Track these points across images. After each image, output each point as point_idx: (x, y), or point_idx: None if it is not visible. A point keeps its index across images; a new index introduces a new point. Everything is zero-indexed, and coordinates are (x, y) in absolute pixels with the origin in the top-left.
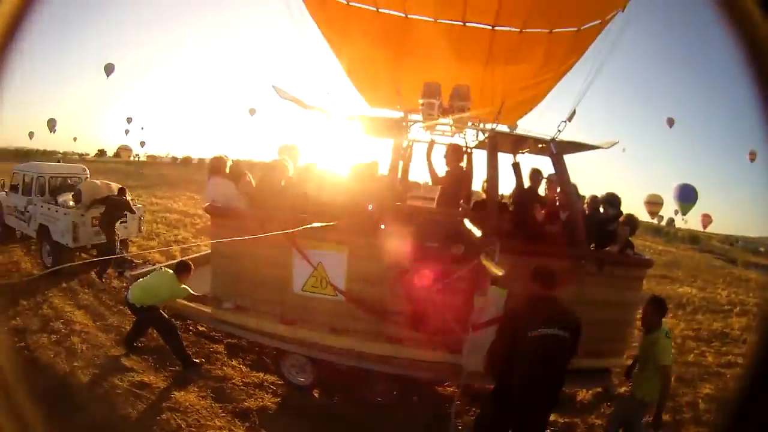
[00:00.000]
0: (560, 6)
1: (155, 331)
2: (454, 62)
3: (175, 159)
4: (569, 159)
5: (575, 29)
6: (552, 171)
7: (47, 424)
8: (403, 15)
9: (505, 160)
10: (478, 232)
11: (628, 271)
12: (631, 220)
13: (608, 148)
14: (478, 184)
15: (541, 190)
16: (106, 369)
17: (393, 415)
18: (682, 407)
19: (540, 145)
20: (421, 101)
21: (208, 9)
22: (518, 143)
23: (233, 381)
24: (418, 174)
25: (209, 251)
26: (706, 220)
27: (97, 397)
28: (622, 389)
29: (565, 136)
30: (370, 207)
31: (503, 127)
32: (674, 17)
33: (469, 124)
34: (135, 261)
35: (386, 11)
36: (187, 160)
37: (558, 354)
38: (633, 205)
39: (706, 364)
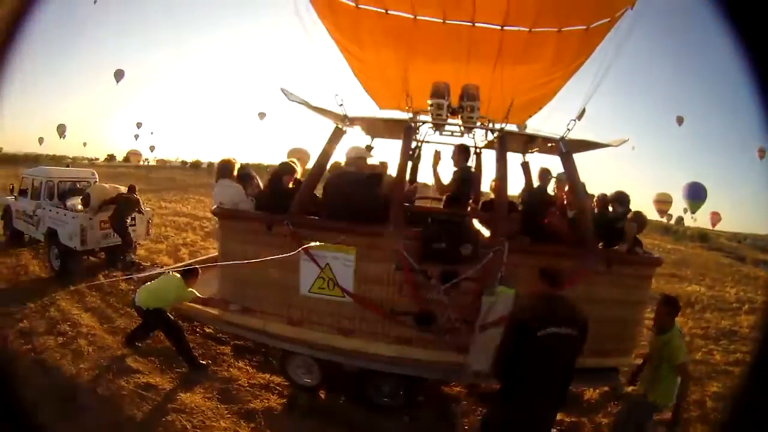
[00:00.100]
0: (569, 5)
1: (162, 333)
2: (463, 63)
3: (184, 163)
4: (578, 158)
5: (584, 28)
6: (561, 170)
7: (54, 426)
8: (412, 16)
9: (514, 159)
10: (486, 232)
11: (637, 269)
12: (639, 216)
13: (618, 146)
14: (487, 184)
15: (550, 190)
16: (112, 371)
17: (399, 415)
18: (689, 405)
19: (549, 144)
20: (429, 102)
21: (217, 14)
22: (527, 143)
23: (239, 382)
24: (428, 175)
25: (216, 253)
26: (715, 218)
27: (103, 399)
28: (630, 389)
29: (574, 135)
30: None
31: (512, 127)
32: (683, 14)
33: (478, 124)
34: (142, 264)
35: (395, 13)
36: (196, 164)
37: (566, 353)
38: (642, 204)
39: (714, 362)
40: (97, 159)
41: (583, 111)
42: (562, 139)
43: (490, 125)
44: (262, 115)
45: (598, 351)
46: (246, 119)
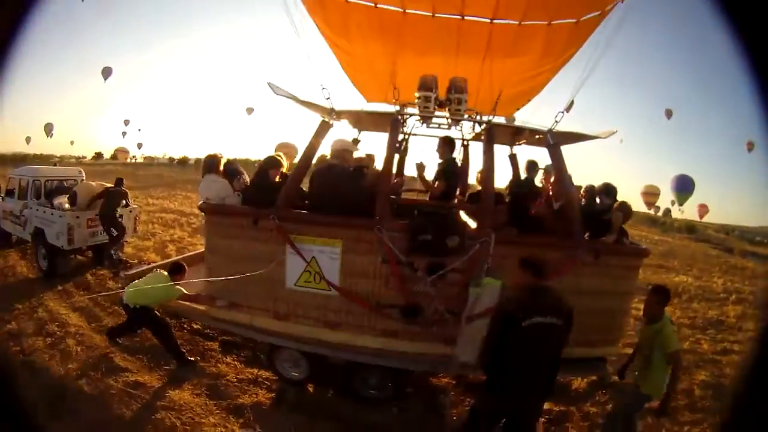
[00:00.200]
0: None
1: (148, 331)
2: (452, 56)
3: (172, 160)
4: (567, 150)
5: (574, 21)
6: (549, 162)
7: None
8: (401, 10)
9: (502, 152)
10: (473, 224)
11: (624, 260)
12: (624, 206)
13: (606, 138)
14: (473, 176)
15: (538, 181)
16: (100, 370)
17: (388, 407)
18: (677, 394)
19: (537, 136)
20: (417, 94)
21: (206, 9)
22: (515, 135)
23: (227, 378)
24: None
25: (203, 249)
26: (703, 210)
27: (92, 398)
28: (615, 378)
29: (562, 127)
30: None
31: (501, 119)
32: (673, 7)
33: (466, 116)
34: (130, 261)
35: (384, 6)
36: (184, 161)
37: (551, 342)
38: (630, 196)
39: (701, 351)
40: (84, 157)
41: (572, 103)
42: (550, 131)
43: (478, 117)
44: (249, 111)
45: (586, 341)
46: (234, 115)
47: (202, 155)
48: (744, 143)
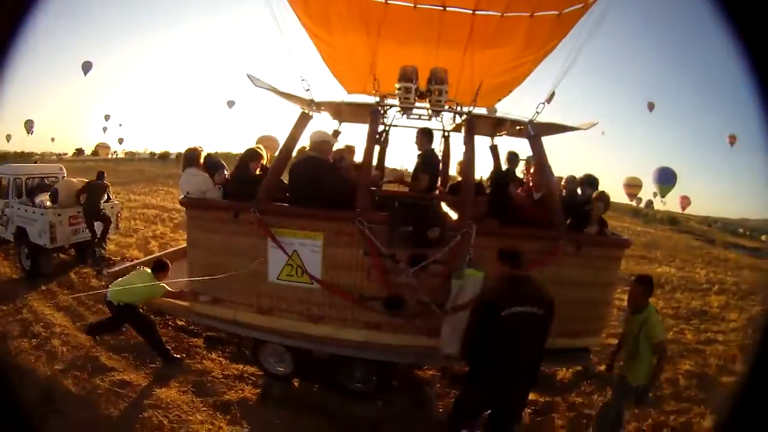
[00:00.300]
0: None
1: (133, 329)
2: (433, 47)
3: (153, 154)
4: (548, 142)
5: (557, 13)
6: (530, 153)
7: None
8: (383, 1)
9: (483, 143)
10: (454, 215)
11: (606, 251)
12: (604, 196)
13: (587, 129)
14: (454, 167)
15: (519, 172)
16: (87, 370)
17: (373, 400)
18: (662, 383)
19: (518, 127)
20: (397, 85)
21: (185, 2)
22: (496, 126)
23: (213, 374)
24: (395, 160)
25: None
26: (685, 202)
27: (79, 398)
28: (602, 366)
29: (543, 118)
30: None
31: (482, 110)
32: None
33: (446, 107)
34: (113, 258)
35: None
36: (165, 155)
37: (532, 332)
38: (612, 188)
39: (685, 341)
40: (65, 154)
41: (553, 94)
42: (531, 122)
43: (458, 108)
44: (230, 104)
45: (569, 332)
46: (215, 108)
47: (184, 149)
48: (726, 137)
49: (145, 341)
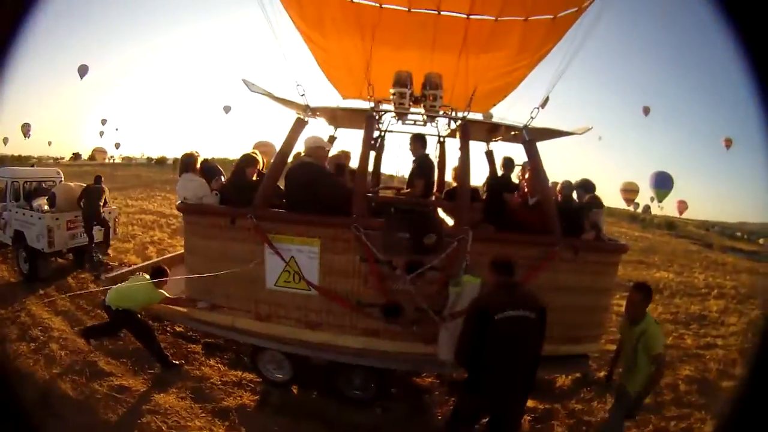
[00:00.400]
0: None
1: (131, 334)
2: (427, 51)
3: (150, 159)
4: (544, 147)
5: (551, 17)
6: (526, 159)
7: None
8: (377, 5)
9: (479, 148)
10: (450, 221)
11: (603, 256)
12: (597, 201)
13: (582, 134)
14: (450, 173)
15: (514, 178)
16: (85, 374)
17: (372, 408)
18: (662, 389)
19: (513, 133)
20: (392, 91)
21: (181, 7)
22: (491, 131)
23: (212, 380)
24: (391, 166)
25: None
26: (682, 206)
27: (78, 403)
28: (601, 373)
29: (538, 123)
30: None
31: (478, 116)
32: (651, 4)
33: (441, 112)
34: (110, 264)
35: (360, 1)
36: (162, 161)
37: (526, 335)
38: (609, 193)
39: (684, 346)
40: (62, 158)
41: (547, 99)
42: (525, 127)
43: (453, 114)
44: (227, 109)
45: (568, 338)
46: (211, 113)
47: (180, 155)
48: (721, 140)
49: (143, 347)
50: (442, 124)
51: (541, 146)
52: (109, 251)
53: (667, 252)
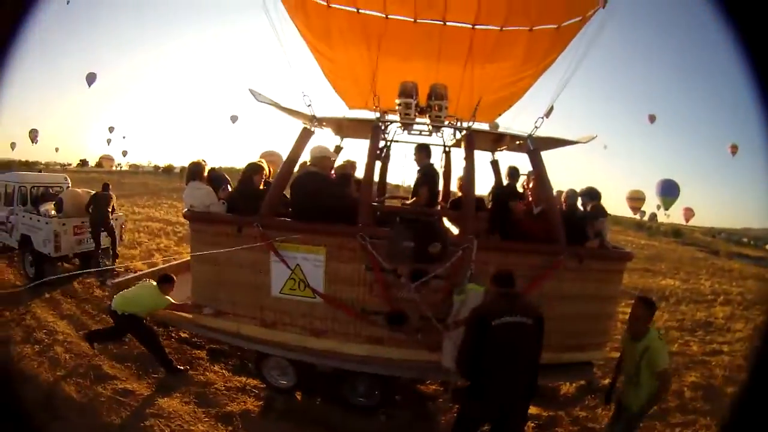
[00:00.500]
0: (541, 4)
1: (135, 339)
2: (433, 62)
3: (157, 168)
4: (551, 156)
5: (555, 27)
6: (531, 168)
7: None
8: (384, 16)
9: (485, 158)
10: (455, 230)
11: (608, 264)
12: (600, 210)
13: (586, 142)
14: (455, 183)
15: (520, 187)
16: (89, 377)
17: (376, 415)
18: (667, 396)
19: (517, 142)
20: (397, 101)
21: (189, 17)
22: (496, 141)
23: (216, 386)
24: (396, 176)
25: (189, 258)
26: (689, 213)
27: (82, 406)
28: (606, 381)
29: (544, 133)
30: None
31: (484, 125)
32: (655, 12)
33: (446, 122)
34: (117, 269)
35: (366, 12)
36: (169, 169)
37: (524, 340)
38: (615, 201)
39: (690, 353)
40: (69, 164)
41: (552, 108)
42: (530, 136)
43: (458, 124)
44: (234, 119)
45: (573, 346)
46: (219, 122)
47: (187, 163)
48: (727, 146)
49: (148, 351)
50: (448, 134)
51: (547, 155)
52: (117, 258)
53: (674, 259)
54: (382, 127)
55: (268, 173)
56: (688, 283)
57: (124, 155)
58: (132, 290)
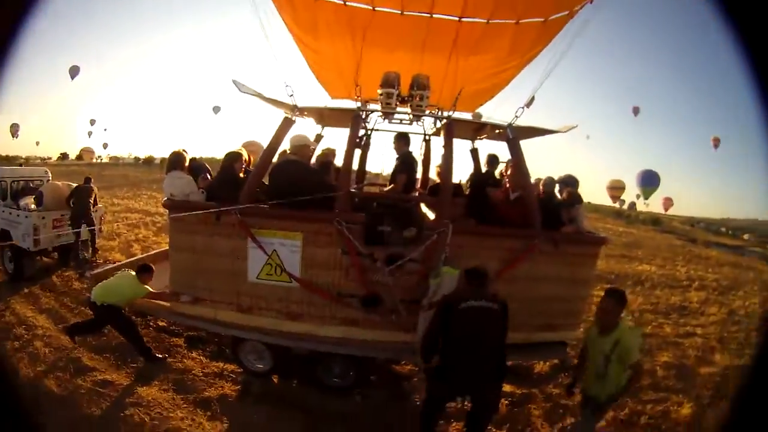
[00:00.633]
0: None
1: (114, 329)
2: (418, 53)
3: (137, 159)
4: (533, 146)
5: (542, 20)
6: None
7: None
8: (371, 8)
9: (465, 146)
10: (432, 216)
11: (583, 248)
12: (576, 197)
13: (566, 132)
14: (434, 170)
15: (498, 174)
16: (69, 370)
17: (351, 396)
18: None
19: (497, 131)
20: (379, 91)
21: (171, 7)
22: (477, 129)
23: (194, 372)
24: (376, 164)
25: (167, 248)
26: (668, 203)
27: (62, 398)
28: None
29: (527, 122)
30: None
31: (467, 115)
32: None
33: (427, 112)
34: (96, 261)
35: (353, 4)
36: (149, 160)
37: (489, 323)
38: (596, 190)
39: (663, 334)
40: (50, 158)
41: (533, 99)
42: (510, 125)
43: (438, 113)
44: (216, 109)
45: (547, 326)
46: (200, 113)
47: (168, 154)
48: (710, 139)
49: (127, 341)
50: (429, 123)
51: (530, 145)
52: (97, 251)
53: (651, 246)
54: (363, 116)
55: (248, 161)
56: (664, 269)
57: (105, 147)
58: (111, 280)
